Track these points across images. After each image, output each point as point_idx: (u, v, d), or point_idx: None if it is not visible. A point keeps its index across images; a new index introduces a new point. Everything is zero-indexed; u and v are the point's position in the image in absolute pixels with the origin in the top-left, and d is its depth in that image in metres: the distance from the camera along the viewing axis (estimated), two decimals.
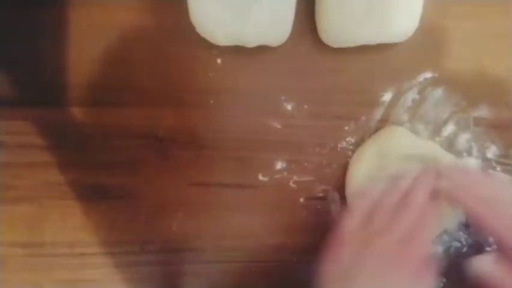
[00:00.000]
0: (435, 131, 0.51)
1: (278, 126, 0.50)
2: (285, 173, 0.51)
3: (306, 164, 0.51)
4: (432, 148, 0.49)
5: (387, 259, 0.42)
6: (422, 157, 0.48)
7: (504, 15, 0.51)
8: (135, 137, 0.50)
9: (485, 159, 0.51)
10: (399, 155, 0.48)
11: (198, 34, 0.47)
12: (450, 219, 0.50)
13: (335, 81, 0.50)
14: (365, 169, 0.49)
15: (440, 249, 0.52)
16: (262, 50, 0.48)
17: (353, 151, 0.51)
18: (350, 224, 0.45)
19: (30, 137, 0.49)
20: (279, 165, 0.51)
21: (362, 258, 0.42)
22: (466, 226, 0.51)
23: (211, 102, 0.50)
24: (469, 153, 0.51)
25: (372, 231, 0.44)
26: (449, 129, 0.51)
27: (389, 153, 0.49)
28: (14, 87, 0.49)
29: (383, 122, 0.51)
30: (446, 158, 0.49)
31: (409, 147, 0.49)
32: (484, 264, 0.42)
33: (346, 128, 0.51)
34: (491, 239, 0.45)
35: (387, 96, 0.51)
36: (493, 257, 0.42)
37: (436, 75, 0.51)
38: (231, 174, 0.51)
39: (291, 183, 0.51)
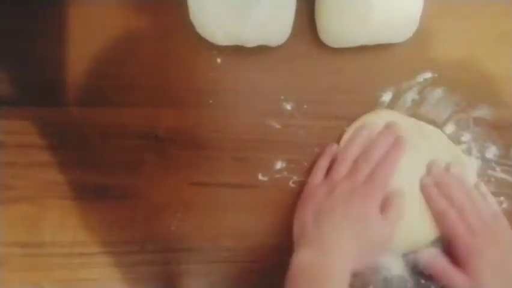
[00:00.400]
0: None
1: (278, 126, 0.50)
2: (285, 173, 0.51)
3: (305, 164, 0.51)
4: (416, 123, 0.50)
5: (354, 197, 0.45)
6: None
7: (504, 15, 0.51)
8: (135, 137, 0.50)
9: (484, 159, 0.51)
10: None
11: (198, 34, 0.47)
12: (423, 238, 0.49)
13: (334, 81, 0.50)
14: None
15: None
16: (262, 49, 0.48)
17: None
18: (314, 178, 0.48)
19: (29, 137, 0.49)
20: (278, 165, 0.51)
21: (329, 202, 0.45)
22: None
23: (211, 102, 0.50)
24: (469, 153, 0.51)
25: (336, 179, 0.47)
26: (449, 129, 0.51)
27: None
28: (13, 87, 0.49)
29: None
30: (430, 130, 0.51)
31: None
32: (429, 256, 0.47)
33: (346, 128, 0.51)
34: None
35: (386, 97, 0.51)
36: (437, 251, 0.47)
37: (436, 75, 0.51)
38: (231, 174, 0.51)
39: (290, 183, 0.51)
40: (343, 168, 0.47)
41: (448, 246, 0.48)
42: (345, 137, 0.50)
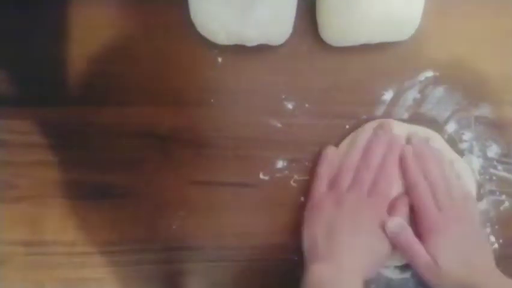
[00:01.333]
0: (437, 130, 0.51)
1: (279, 125, 0.50)
2: (286, 172, 0.51)
3: (306, 163, 0.51)
4: (419, 129, 0.51)
5: (362, 210, 0.46)
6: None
7: (505, 15, 0.51)
8: (136, 136, 0.50)
9: (486, 158, 0.51)
10: None
11: (198, 33, 0.47)
12: None
13: (335, 80, 0.50)
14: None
15: None
16: (263, 49, 0.48)
17: None
18: (319, 188, 0.49)
19: (31, 136, 0.49)
20: (279, 164, 0.51)
21: (339, 216, 0.46)
22: None
23: (212, 101, 0.50)
24: (471, 152, 0.51)
25: (340, 191, 0.47)
26: (451, 128, 0.51)
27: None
28: (14, 86, 0.49)
29: None
30: (429, 134, 0.51)
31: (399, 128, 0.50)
32: (394, 227, 0.46)
33: (347, 126, 0.51)
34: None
35: (388, 95, 0.51)
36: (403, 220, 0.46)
37: (437, 74, 0.51)
38: (232, 173, 0.51)
39: (291, 182, 0.51)
40: (347, 177, 0.48)
41: (414, 220, 0.47)
42: (345, 142, 0.50)
